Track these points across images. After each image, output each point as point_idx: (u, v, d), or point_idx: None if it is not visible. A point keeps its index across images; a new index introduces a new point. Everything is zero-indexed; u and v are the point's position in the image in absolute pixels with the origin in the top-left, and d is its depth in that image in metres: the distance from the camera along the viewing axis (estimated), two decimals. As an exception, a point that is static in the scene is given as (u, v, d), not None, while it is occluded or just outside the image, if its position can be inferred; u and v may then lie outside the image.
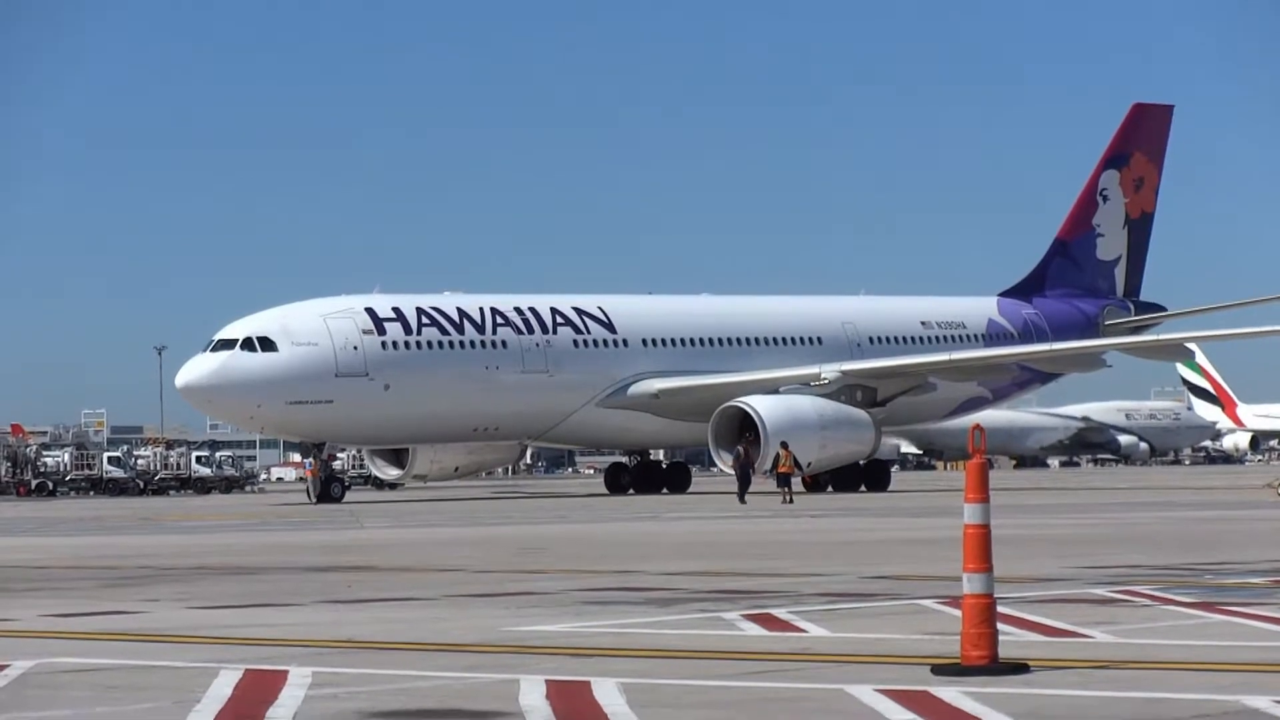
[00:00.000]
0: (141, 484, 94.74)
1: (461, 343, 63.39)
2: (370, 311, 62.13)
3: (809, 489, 63.37)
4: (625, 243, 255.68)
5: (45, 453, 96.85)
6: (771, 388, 64.31)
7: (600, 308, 67.18)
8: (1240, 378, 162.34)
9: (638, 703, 10.34)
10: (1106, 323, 77.61)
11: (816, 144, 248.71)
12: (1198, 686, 10.72)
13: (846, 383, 65.34)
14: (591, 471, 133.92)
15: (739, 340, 69.40)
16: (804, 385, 64.71)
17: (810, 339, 70.54)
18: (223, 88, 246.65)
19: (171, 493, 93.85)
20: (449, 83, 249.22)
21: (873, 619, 15.50)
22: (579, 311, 66.50)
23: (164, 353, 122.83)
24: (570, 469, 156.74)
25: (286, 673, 11.90)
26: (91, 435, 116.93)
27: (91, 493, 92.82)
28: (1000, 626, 11.66)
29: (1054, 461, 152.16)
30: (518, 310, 65.17)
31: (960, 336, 74.15)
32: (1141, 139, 79.29)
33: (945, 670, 11.29)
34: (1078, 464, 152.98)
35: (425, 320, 62.93)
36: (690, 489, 70.15)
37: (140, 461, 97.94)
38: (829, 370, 65.45)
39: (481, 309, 64.47)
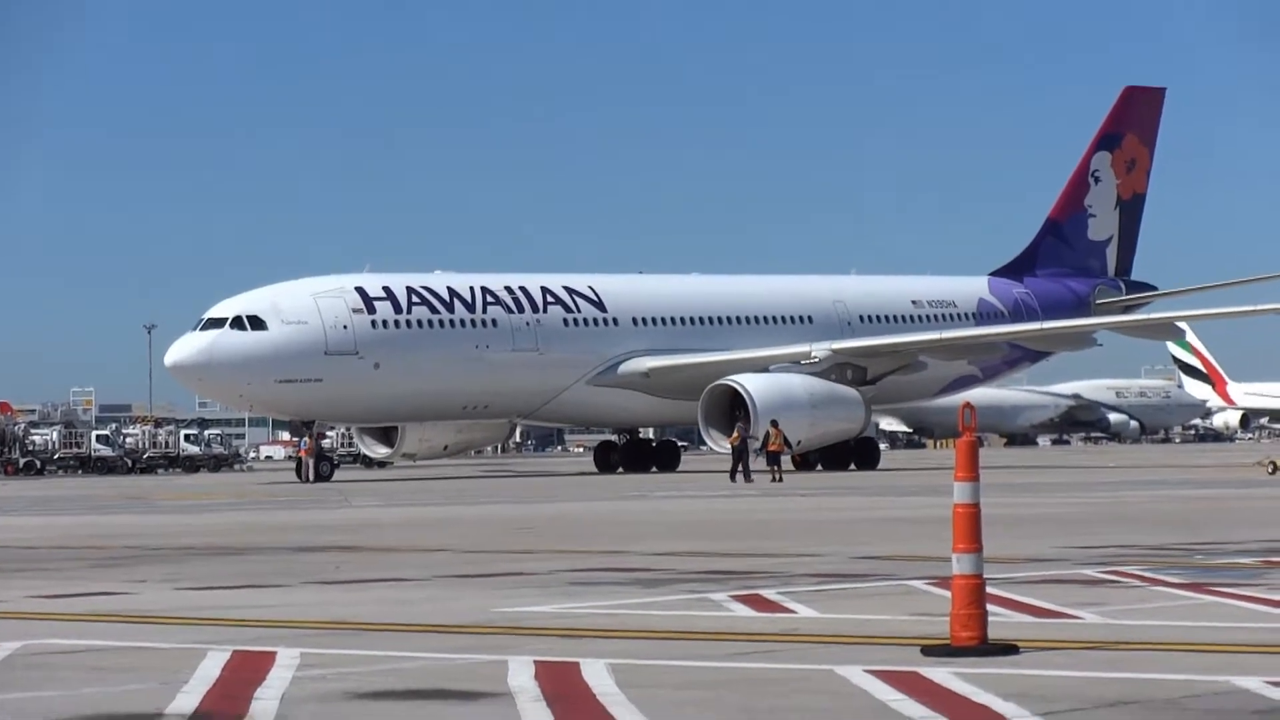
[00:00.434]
0: (130, 462, 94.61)
1: (452, 321, 63.36)
2: (360, 290, 62.08)
3: (798, 467, 63.44)
4: (616, 222, 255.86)
5: (33, 431, 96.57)
6: (761, 366, 64.31)
7: (591, 287, 67.16)
8: (1231, 356, 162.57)
9: (627, 683, 10.31)
10: (1098, 302, 77.60)
11: (808, 124, 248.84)
12: (1187, 667, 10.71)
13: (836, 361, 65.36)
14: (580, 450, 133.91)
15: (729, 319, 69.41)
16: (794, 364, 64.73)
17: (800, 318, 70.52)
18: (211, 67, 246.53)
19: (160, 471, 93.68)
20: (439, 62, 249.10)
21: (862, 600, 15.48)
22: (569, 290, 66.47)
23: (153, 331, 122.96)
24: (559, 447, 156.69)
25: (275, 654, 11.88)
26: (80, 414, 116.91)
27: (80, 471, 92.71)
28: (990, 607, 11.64)
29: (1044, 440, 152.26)
30: (508, 289, 65.16)
31: (951, 315, 74.13)
32: (1134, 121, 79.21)
33: (935, 651, 11.28)
34: (1068, 442, 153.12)
35: (415, 299, 62.89)
36: (679, 467, 70.24)
37: (129, 440, 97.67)
38: (819, 349, 65.48)
39: (472, 288, 64.44)
